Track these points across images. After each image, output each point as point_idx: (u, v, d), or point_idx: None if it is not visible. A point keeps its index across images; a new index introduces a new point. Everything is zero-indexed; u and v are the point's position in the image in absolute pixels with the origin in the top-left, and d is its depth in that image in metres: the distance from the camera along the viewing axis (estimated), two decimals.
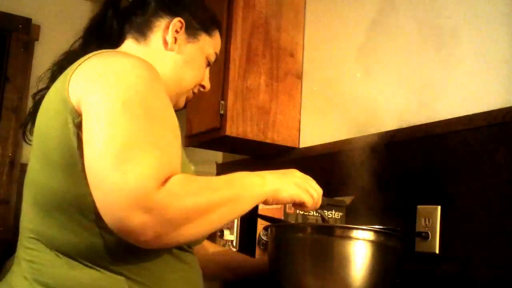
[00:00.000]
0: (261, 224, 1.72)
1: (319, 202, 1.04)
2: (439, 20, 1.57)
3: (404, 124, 1.62)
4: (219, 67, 2.04)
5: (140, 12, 1.06)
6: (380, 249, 1.01)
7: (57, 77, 0.93)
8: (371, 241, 1.00)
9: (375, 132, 1.71)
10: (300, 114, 2.13)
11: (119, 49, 1.05)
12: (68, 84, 0.84)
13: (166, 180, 0.75)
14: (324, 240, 1.01)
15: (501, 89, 1.37)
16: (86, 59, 0.87)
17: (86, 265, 0.85)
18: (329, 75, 2.01)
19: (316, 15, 2.13)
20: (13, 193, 2.96)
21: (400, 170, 1.57)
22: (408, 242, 1.36)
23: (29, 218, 0.91)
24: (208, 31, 1.13)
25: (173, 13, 1.07)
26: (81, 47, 1.05)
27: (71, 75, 0.85)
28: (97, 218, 0.81)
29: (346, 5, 1.97)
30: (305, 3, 2.18)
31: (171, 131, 0.82)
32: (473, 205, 1.36)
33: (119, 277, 0.85)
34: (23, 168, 2.99)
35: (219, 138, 2.05)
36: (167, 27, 1.05)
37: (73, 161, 0.82)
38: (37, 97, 1.01)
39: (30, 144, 0.95)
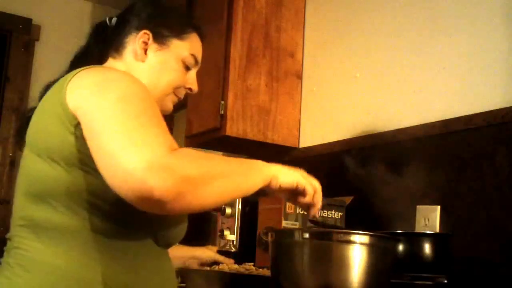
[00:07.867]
0: (261, 224, 1.72)
1: (320, 201, 1.06)
2: (438, 20, 1.57)
3: (404, 124, 1.62)
4: (219, 67, 2.04)
5: (115, 36, 1.17)
6: (379, 253, 1.02)
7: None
8: (370, 245, 1.00)
9: (374, 132, 1.72)
10: (300, 114, 2.13)
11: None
12: (66, 90, 0.93)
13: (174, 150, 0.82)
14: (323, 244, 1.01)
15: (501, 89, 1.37)
16: (80, 71, 0.98)
17: (69, 251, 0.91)
18: (329, 75, 2.01)
19: (316, 15, 2.13)
20: (14, 193, 2.96)
21: (400, 170, 1.57)
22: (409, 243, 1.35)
23: (21, 206, 1.01)
24: (179, 36, 1.18)
25: (140, 28, 1.15)
26: (69, 70, 1.14)
27: (68, 82, 0.94)
28: (90, 206, 0.91)
29: (346, 5, 1.97)
30: (305, 3, 2.18)
31: (163, 123, 0.90)
32: (473, 205, 1.36)
33: (96, 265, 0.91)
34: None
35: (219, 138, 2.06)
36: (135, 41, 1.15)
37: (71, 154, 0.91)
38: (29, 114, 1.09)
39: (21, 151, 1.04)
